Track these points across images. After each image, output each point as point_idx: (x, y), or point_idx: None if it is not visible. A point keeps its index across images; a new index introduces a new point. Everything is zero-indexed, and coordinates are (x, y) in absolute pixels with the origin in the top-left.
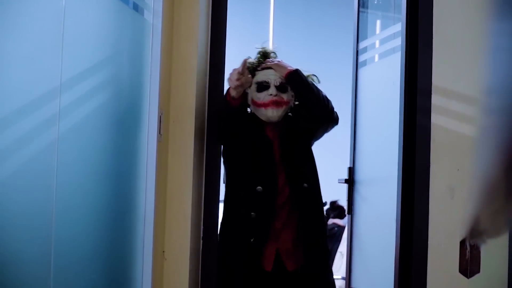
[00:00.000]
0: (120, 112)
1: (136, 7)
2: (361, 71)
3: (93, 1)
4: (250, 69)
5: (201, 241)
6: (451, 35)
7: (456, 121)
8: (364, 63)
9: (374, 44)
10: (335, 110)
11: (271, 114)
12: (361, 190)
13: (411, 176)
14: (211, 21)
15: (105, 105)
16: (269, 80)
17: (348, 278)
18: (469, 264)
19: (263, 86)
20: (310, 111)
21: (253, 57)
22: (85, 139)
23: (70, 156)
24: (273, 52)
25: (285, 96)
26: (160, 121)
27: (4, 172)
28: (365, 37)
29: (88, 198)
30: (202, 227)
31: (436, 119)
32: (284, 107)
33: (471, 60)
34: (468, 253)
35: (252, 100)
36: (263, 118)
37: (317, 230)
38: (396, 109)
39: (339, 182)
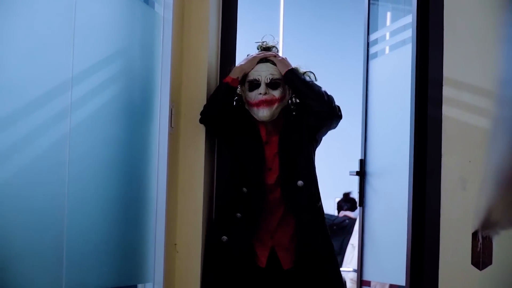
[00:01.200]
0: (132, 105)
1: (146, 0)
2: (372, 63)
3: None
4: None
5: None
6: (462, 26)
7: (468, 113)
8: (375, 55)
9: (384, 36)
10: (337, 105)
11: (262, 114)
12: (372, 182)
13: (423, 168)
14: (222, 14)
15: (116, 98)
16: (259, 78)
17: (360, 271)
18: (481, 255)
19: (254, 85)
20: (311, 107)
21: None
22: (96, 132)
23: (81, 149)
24: (274, 47)
25: (276, 93)
26: (171, 114)
27: (17, 165)
28: (376, 29)
29: (100, 191)
30: (213, 219)
31: (447, 110)
32: (276, 104)
33: (483, 51)
34: (480, 245)
35: (245, 99)
36: (255, 117)
37: (312, 229)
38: (407, 101)
39: (350, 174)
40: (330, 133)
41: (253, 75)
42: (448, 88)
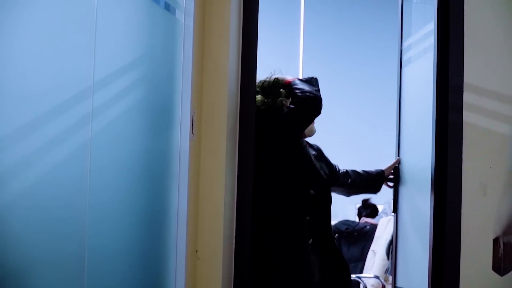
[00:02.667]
0: (153, 111)
1: (167, 7)
2: (405, 70)
3: (125, 1)
4: (266, 88)
5: (234, 240)
6: (483, 32)
7: (488, 119)
8: (408, 61)
9: (415, 42)
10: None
11: (315, 129)
12: (403, 189)
13: (444, 174)
14: (243, 20)
15: (138, 104)
16: None
17: (393, 278)
18: (502, 261)
19: None
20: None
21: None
22: (118, 139)
23: (103, 156)
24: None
25: None
26: (192, 121)
27: (38, 173)
28: (409, 35)
29: (121, 198)
30: (235, 226)
31: (468, 116)
32: None
33: (504, 57)
34: (501, 251)
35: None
36: (307, 133)
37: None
38: (429, 107)
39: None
40: (367, 140)
41: None
42: (469, 94)
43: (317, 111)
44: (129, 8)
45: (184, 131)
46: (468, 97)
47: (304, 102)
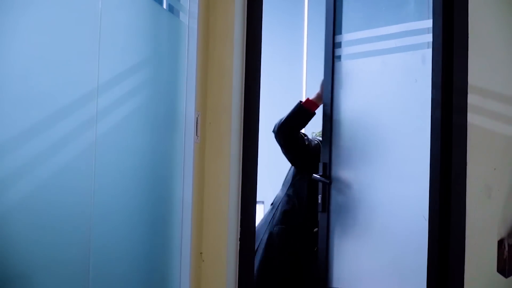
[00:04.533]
0: (157, 114)
1: (171, 9)
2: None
3: (129, 4)
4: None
5: (238, 242)
6: (486, 34)
7: (493, 120)
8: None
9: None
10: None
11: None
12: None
13: (448, 176)
14: (247, 22)
15: (142, 107)
16: None
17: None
18: (507, 263)
19: None
20: None
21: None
22: (122, 142)
23: (107, 159)
24: None
25: None
26: (196, 123)
27: (43, 175)
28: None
29: (126, 200)
30: (239, 228)
31: (472, 118)
32: None
33: (508, 59)
34: (506, 253)
35: None
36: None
37: None
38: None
39: (312, 179)
40: None
41: None
42: (473, 96)
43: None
44: (133, 10)
45: (189, 133)
46: (472, 99)
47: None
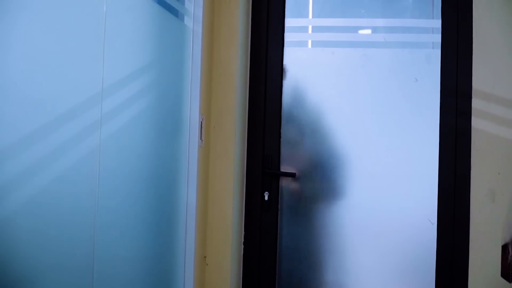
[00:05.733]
0: (161, 117)
1: (176, 13)
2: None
3: (134, 8)
4: None
5: (242, 246)
6: (491, 38)
7: (497, 125)
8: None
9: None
10: None
11: None
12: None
13: (452, 180)
14: (251, 26)
15: (146, 110)
16: None
17: None
18: (511, 268)
19: None
20: None
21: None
22: (126, 146)
23: (112, 162)
24: None
25: None
26: (201, 127)
27: (48, 178)
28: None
29: (130, 203)
30: (243, 232)
31: (476, 122)
32: None
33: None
34: (510, 257)
35: None
36: None
37: None
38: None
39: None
40: None
41: None
42: (477, 100)
43: None
44: (138, 14)
45: (193, 137)
46: (476, 103)
47: None
